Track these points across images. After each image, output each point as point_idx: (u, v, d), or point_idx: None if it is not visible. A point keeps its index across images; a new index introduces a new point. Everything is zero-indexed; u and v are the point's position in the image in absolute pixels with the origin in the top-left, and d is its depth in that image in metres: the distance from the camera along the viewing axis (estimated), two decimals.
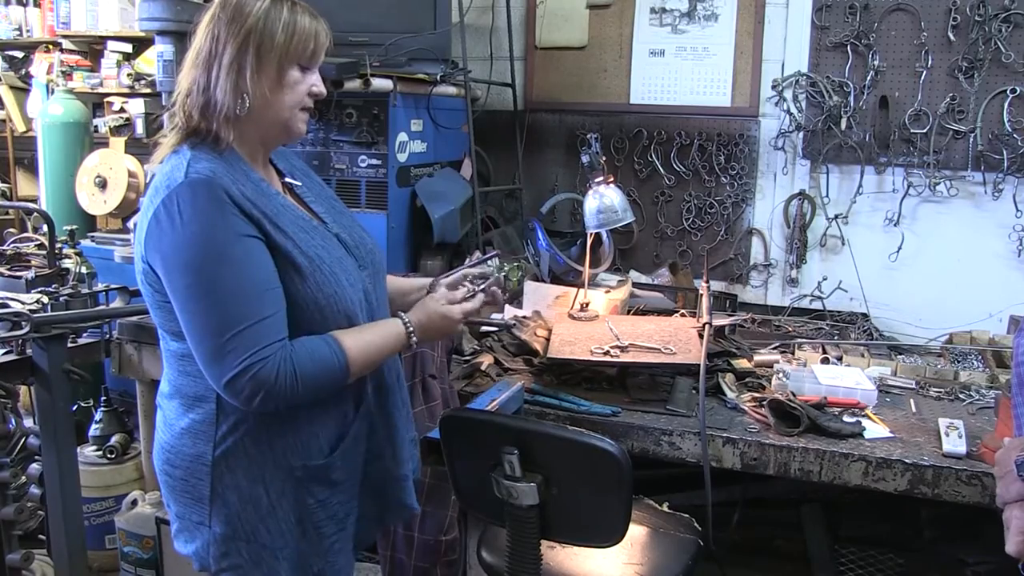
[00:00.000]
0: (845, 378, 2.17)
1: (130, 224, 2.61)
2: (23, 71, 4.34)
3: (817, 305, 3.15)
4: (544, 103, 3.48)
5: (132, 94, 3.87)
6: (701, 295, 2.49)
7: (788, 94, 3.11)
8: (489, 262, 1.71)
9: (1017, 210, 2.87)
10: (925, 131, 2.92)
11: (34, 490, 2.19)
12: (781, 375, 2.18)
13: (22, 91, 4.36)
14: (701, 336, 2.22)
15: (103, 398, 2.95)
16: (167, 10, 2.51)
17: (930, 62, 2.90)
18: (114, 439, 2.89)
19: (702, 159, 3.24)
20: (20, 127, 4.39)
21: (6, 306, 2.22)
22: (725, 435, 1.97)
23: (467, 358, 2.41)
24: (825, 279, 3.15)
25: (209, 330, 1.33)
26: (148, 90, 3.75)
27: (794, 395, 2.06)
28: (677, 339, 2.25)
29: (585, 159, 2.64)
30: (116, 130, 3.88)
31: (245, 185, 1.39)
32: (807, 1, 3.05)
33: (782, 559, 2.84)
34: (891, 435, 1.98)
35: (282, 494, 1.45)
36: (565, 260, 2.97)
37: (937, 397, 2.27)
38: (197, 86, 1.40)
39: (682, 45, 3.26)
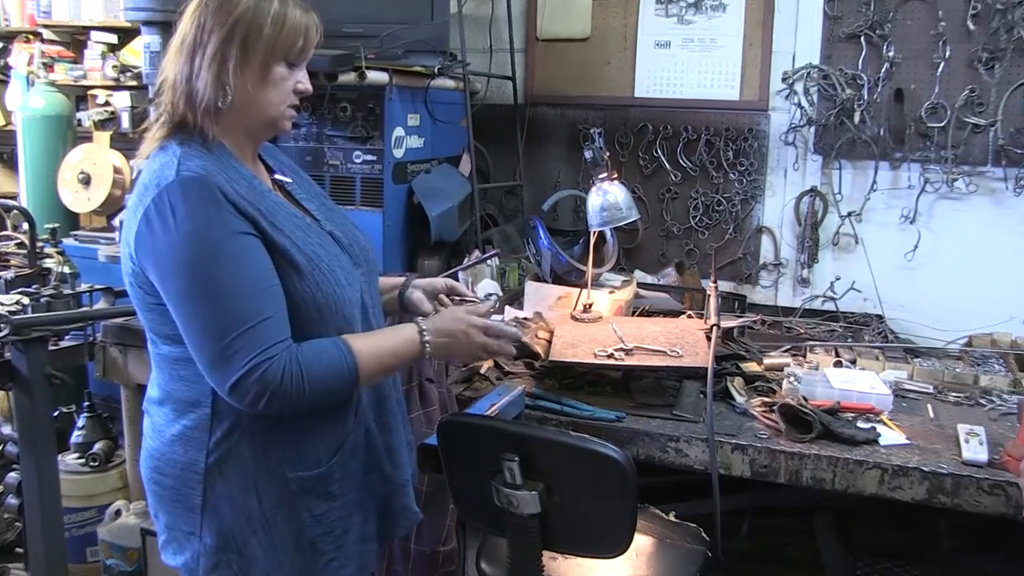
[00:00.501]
0: (859, 382, 2.15)
1: (115, 222, 2.61)
2: (1, 62, 4.27)
3: (829, 306, 3.11)
4: (546, 97, 3.46)
5: (117, 87, 3.84)
6: (709, 296, 2.47)
7: (799, 87, 3.08)
8: (489, 261, 1.69)
9: None
10: (943, 125, 2.87)
11: (12, 500, 2.21)
12: (792, 379, 2.16)
13: (0, 83, 4.29)
14: (709, 338, 2.20)
15: (86, 403, 2.92)
16: None
17: (948, 53, 2.86)
18: (97, 446, 2.85)
19: (709, 155, 3.21)
20: None
21: None
22: (734, 441, 1.95)
23: None
24: (838, 279, 3.11)
25: (211, 332, 1.31)
26: (134, 83, 3.73)
27: (806, 400, 2.02)
28: (684, 341, 2.23)
29: (588, 155, 2.62)
30: (101, 124, 3.86)
31: (238, 182, 1.38)
32: None
33: (794, 570, 2.80)
34: (908, 442, 1.95)
35: (277, 507, 1.43)
36: (567, 259, 2.94)
37: (956, 402, 2.23)
38: (181, 75, 1.37)
39: (689, 36, 3.23)
